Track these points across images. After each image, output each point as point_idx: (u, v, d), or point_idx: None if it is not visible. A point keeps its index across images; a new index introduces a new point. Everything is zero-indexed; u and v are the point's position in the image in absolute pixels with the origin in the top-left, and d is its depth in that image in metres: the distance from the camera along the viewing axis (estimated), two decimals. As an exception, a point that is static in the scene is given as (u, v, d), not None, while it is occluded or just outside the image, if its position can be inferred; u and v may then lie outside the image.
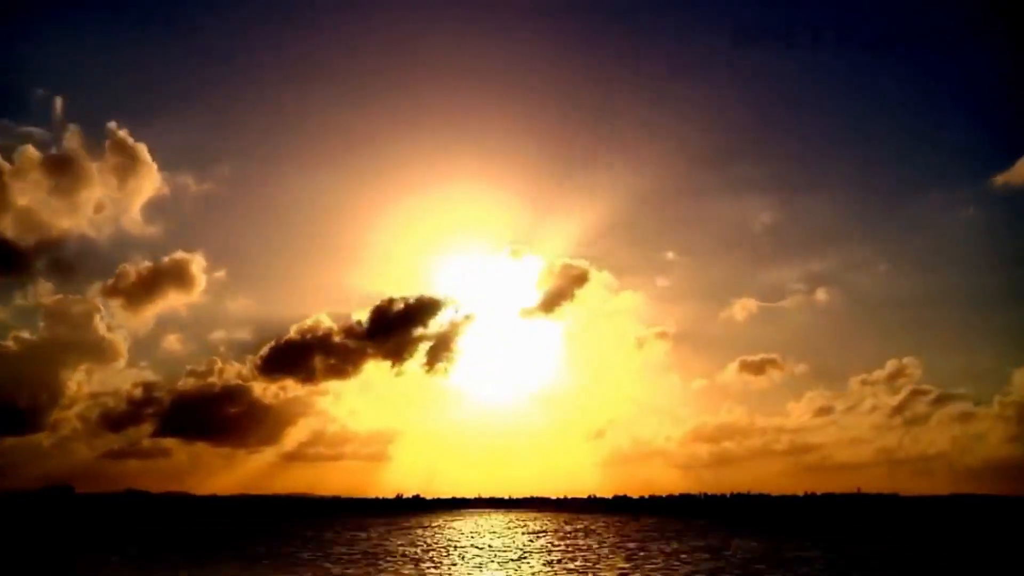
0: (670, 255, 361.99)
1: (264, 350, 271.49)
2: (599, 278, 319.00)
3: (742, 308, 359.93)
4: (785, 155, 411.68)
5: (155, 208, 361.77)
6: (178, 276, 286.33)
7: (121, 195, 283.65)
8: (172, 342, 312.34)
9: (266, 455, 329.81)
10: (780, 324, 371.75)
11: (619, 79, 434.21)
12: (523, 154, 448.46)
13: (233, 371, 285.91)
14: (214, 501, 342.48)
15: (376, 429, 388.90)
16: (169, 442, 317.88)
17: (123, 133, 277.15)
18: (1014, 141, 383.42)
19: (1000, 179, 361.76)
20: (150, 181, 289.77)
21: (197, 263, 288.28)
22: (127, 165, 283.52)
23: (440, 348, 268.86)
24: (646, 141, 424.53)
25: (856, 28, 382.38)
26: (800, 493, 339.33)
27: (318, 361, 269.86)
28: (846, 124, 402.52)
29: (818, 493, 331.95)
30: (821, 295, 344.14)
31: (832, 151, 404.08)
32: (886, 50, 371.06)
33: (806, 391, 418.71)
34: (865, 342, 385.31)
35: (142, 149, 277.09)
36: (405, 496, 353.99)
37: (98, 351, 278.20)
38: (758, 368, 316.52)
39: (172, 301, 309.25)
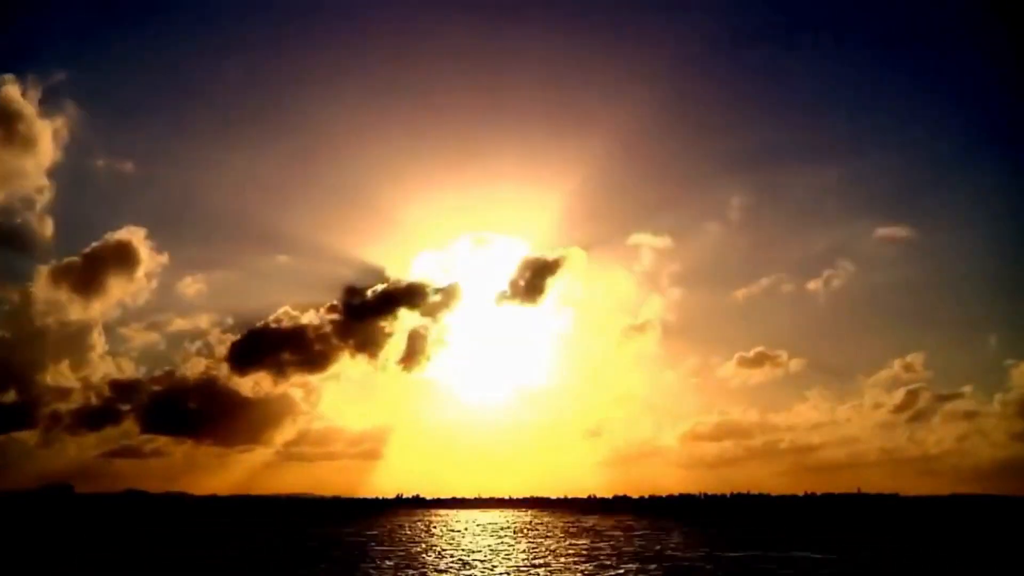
0: (650, 238, 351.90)
1: (231, 342, 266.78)
2: (577, 263, 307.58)
3: (735, 297, 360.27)
4: (779, 147, 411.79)
5: (66, 181, 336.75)
6: (123, 259, 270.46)
7: (19, 162, 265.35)
8: (133, 333, 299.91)
9: (257, 454, 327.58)
10: (774, 316, 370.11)
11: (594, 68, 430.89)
12: (495, 138, 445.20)
13: (203, 365, 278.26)
14: (213, 501, 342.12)
15: (365, 427, 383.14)
16: (159, 441, 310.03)
17: (14, 90, 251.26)
18: (1015, 138, 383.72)
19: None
20: (49, 149, 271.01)
21: (141, 244, 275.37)
22: (20, 127, 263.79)
23: (418, 340, 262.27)
24: (623, 126, 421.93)
25: (856, 28, 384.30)
26: (800, 493, 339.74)
27: (291, 355, 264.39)
28: (846, 120, 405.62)
29: (818, 493, 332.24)
30: (817, 286, 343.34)
31: (831, 145, 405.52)
32: (887, 50, 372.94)
33: (803, 388, 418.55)
34: (865, 336, 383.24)
35: (41, 111, 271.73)
36: (405, 496, 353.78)
37: (70, 344, 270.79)
38: (754, 363, 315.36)
39: (122, 287, 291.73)
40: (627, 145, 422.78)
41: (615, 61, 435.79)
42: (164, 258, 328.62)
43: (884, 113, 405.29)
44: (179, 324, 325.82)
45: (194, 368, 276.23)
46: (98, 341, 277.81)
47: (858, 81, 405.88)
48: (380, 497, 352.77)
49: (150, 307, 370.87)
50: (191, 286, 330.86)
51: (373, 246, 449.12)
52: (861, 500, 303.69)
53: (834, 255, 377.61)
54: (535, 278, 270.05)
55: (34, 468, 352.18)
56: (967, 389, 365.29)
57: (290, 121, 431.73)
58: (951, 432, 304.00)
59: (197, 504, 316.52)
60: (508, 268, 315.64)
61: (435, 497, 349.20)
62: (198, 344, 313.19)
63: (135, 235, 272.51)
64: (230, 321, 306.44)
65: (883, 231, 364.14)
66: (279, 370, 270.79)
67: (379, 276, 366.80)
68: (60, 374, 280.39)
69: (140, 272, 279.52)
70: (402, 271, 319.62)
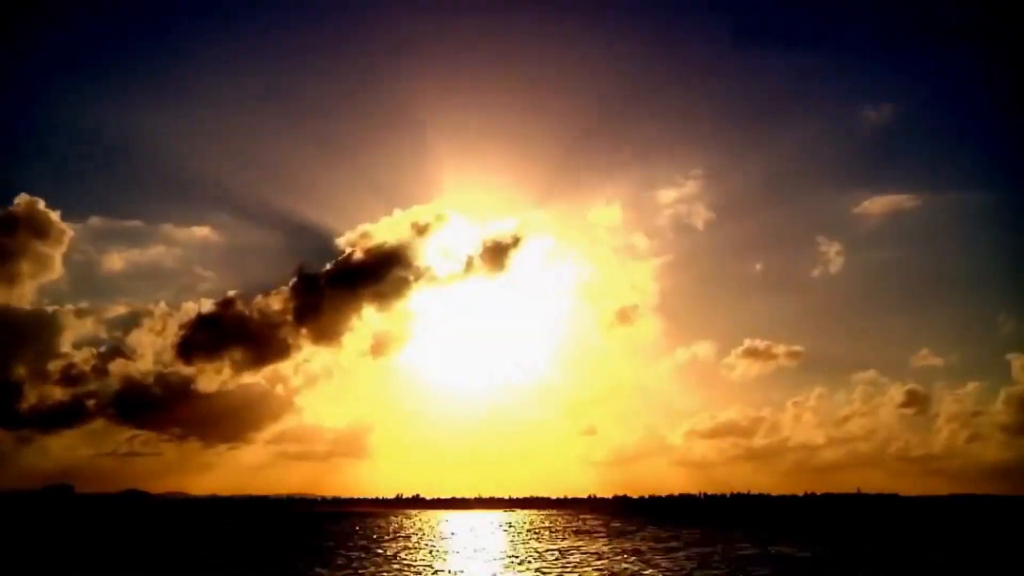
0: (612, 211, 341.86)
1: (183, 332, 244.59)
2: (541, 239, 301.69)
3: (715, 280, 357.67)
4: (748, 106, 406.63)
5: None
6: (30, 234, 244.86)
7: None
8: (72, 319, 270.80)
9: (245, 452, 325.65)
10: (760, 304, 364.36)
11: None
12: (442, 108, 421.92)
13: (157, 355, 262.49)
14: (214, 501, 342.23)
15: (346, 421, 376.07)
16: (140, 438, 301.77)
17: None
18: (1013, 136, 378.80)
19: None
20: None
21: (45, 216, 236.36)
22: None
23: (385, 325, 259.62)
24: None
25: (856, 28, 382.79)
26: (800, 493, 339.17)
27: (251, 344, 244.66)
28: (845, 118, 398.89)
29: (818, 493, 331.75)
30: (806, 269, 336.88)
31: (831, 143, 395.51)
32: (886, 50, 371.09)
33: (799, 385, 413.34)
34: (861, 328, 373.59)
35: None
36: (405, 496, 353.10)
37: (28, 337, 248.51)
38: (747, 355, 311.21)
39: (38, 264, 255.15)
40: (580, 115, 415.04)
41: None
42: (73, 232, 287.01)
43: (885, 115, 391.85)
44: (119, 310, 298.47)
45: (146, 360, 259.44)
46: (39, 330, 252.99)
47: (856, 82, 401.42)
48: (380, 497, 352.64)
49: (74, 290, 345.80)
50: (115, 263, 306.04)
51: (319, 216, 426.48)
52: (861, 500, 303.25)
53: (820, 231, 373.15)
54: (496, 255, 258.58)
55: (24, 468, 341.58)
56: (972, 385, 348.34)
57: (207, 74, 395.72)
58: (953, 430, 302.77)
59: (197, 504, 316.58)
60: (468, 245, 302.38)
61: (435, 497, 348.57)
62: (144, 331, 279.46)
63: (35, 206, 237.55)
64: (164, 305, 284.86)
65: (875, 202, 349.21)
66: (241, 360, 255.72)
67: (326, 251, 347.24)
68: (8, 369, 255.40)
69: (53, 250, 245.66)
70: (353, 245, 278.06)
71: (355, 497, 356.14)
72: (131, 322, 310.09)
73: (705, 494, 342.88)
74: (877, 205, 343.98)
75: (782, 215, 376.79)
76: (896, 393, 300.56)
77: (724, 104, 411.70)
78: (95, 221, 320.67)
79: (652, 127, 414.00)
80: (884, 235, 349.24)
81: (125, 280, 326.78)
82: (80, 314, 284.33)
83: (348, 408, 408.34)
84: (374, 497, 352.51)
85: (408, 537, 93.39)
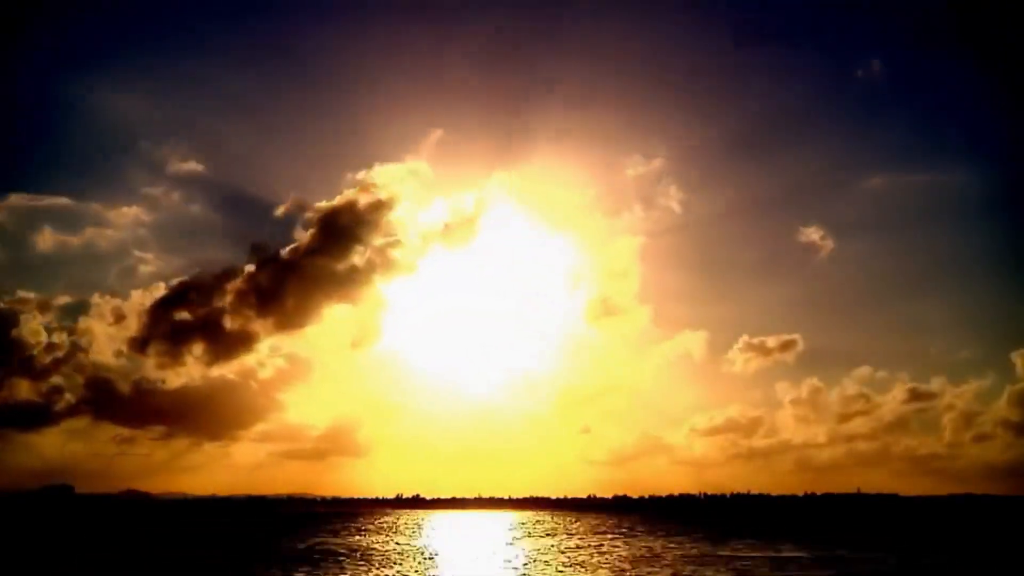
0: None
1: (139, 322, 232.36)
2: (499, 215, 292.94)
3: (699, 264, 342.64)
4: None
5: None
6: None
7: None
8: (16, 308, 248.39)
9: (236, 450, 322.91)
10: (764, 304, 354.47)
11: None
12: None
13: (114, 350, 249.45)
14: (214, 501, 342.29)
15: (332, 421, 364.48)
16: (125, 436, 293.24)
17: None
18: (1011, 134, 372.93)
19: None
20: None
21: None
22: None
23: (358, 312, 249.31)
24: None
25: (855, 28, 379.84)
26: (800, 493, 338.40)
27: (218, 335, 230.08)
28: (843, 119, 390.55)
29: (818, 493, 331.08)
30: (810, 261, 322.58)
31: (816, 107, 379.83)
32: (887, 50, 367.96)
33: (798, 381, 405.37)
34: (864, 326, 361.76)
35: None
36: (405, 496, 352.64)
37: None
38: (747, 351, 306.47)
39: None
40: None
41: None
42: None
43: (884, 114, 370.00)
44: (64, 300, 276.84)
45: (105, 353, 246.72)
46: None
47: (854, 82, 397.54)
48: (380, 497, 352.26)
49: (4, 276, 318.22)
50: (46, 245, 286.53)
51: (260, 190, 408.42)
52: (861, 500, 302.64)
53: (811, 213, 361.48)
54: (460, 231, 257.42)
55: (15, 467, 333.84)
56: (974, 383, 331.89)
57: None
58: (955, 429, 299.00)
59: (197, 504, 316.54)
60: (428, 220, 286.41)
61: (435, 497, 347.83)
62: (94, 320, 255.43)
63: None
64: (110, 297, 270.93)
65: (870, 181, 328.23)
66: (207, 353, 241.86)
67: (270, 228, 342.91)
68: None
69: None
70: (310, 223, 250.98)
71: (355, 497, 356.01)
72: (78, 311, 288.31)
73: (705, 494, 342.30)
74: (872, 185, 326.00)
75: (764, 192, 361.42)
76: (898, 391, 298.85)
77: (692, 79, 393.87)
78: (16, 199, 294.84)
79: (614, 99, 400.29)
80: (881, 219, 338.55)
81: (59, 265, 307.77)
82: (23, 303, 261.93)
83: (332, 403, 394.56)
84: (374, 497, 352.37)
85: (412, 538, 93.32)
